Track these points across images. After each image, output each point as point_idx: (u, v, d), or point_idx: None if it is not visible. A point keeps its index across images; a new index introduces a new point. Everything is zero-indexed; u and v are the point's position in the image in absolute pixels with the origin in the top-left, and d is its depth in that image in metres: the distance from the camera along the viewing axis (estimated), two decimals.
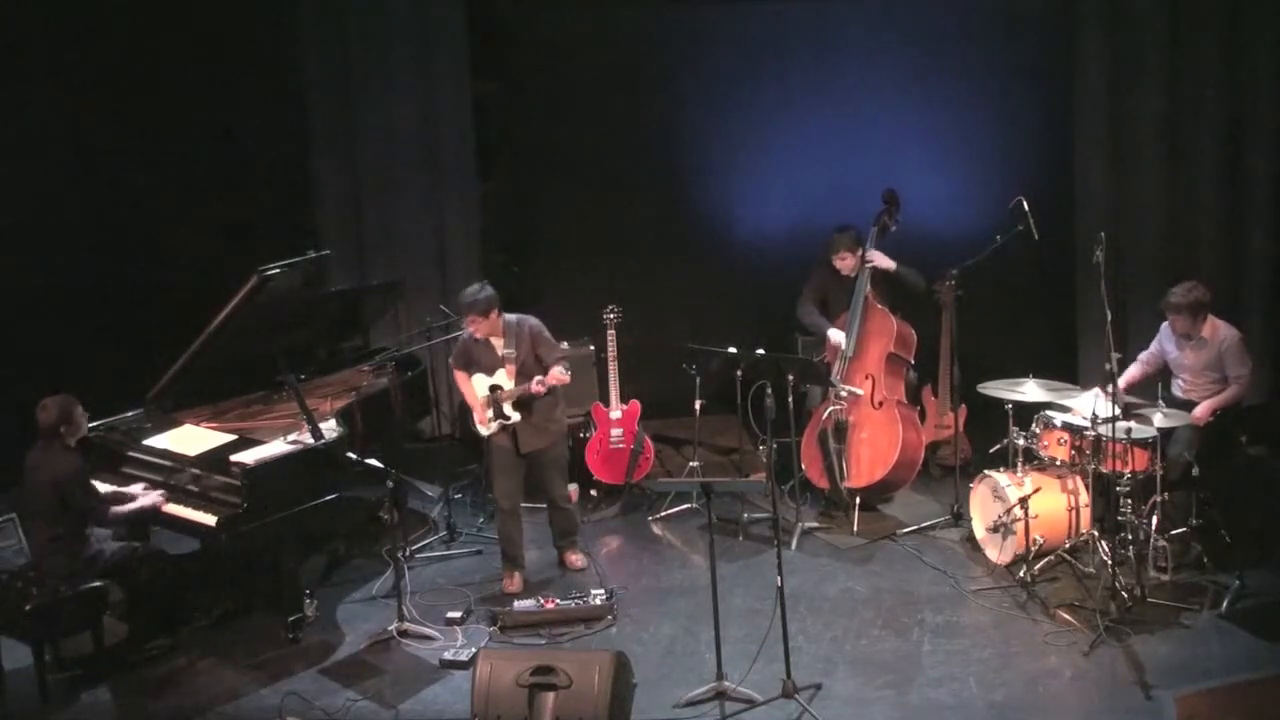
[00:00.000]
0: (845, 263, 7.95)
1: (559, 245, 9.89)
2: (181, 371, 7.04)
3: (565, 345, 7.71)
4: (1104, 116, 8.55)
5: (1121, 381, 7.20)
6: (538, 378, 6.86)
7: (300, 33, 9.29)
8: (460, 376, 7.13)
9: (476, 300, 6.83)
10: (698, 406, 8.04)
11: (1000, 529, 7.00)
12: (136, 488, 6.70)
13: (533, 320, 7.07)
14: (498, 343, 6.97)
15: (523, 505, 7.26)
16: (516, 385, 6.92)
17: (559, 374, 6.94)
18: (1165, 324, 7.16)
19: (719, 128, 9.44)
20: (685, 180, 9.54)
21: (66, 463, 6.34)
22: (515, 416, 6.98)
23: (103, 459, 6.91)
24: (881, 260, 7.90)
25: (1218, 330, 7.01)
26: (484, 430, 7.07)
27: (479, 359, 7.02)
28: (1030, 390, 7.03)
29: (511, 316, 7.01)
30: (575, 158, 9.62)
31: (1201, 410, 6.92)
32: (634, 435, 8.28)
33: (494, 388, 6.99)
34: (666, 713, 5.86)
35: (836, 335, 7.87)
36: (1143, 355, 7.32)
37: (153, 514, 6.65)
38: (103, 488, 6.62)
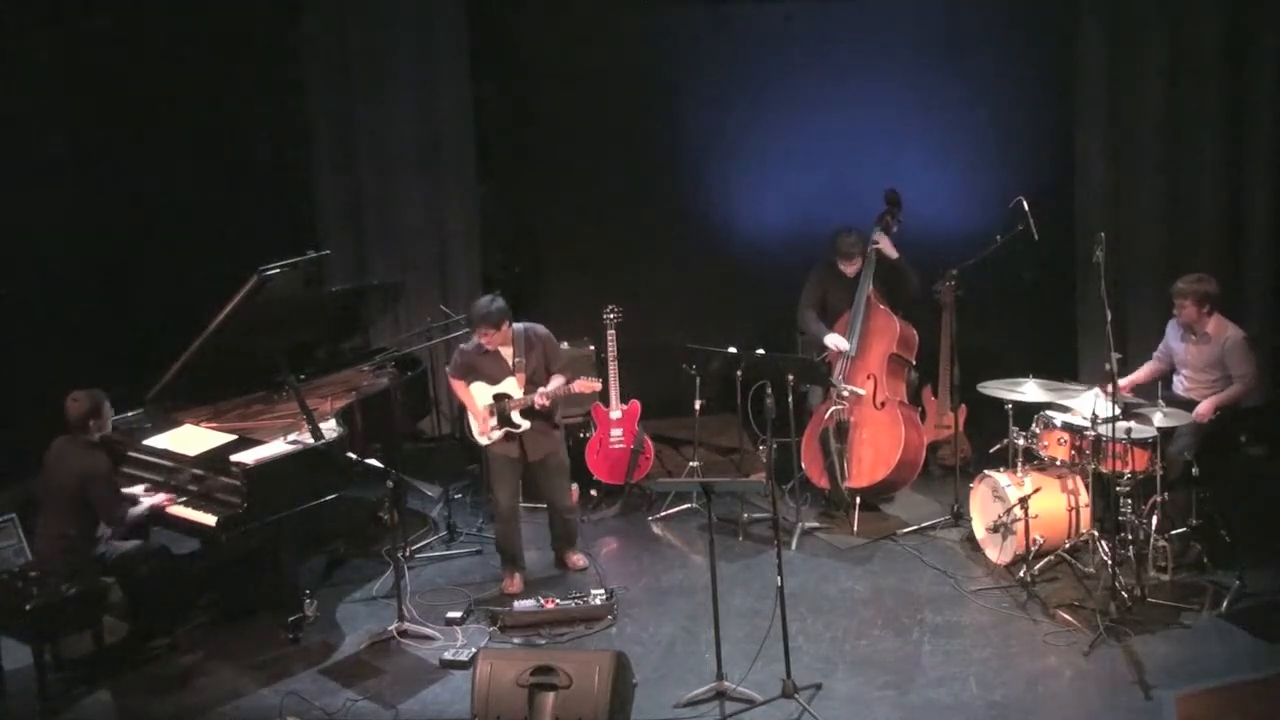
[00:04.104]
0: (852, 266, 7.93)
1: (559, 245, 9.89)
2: (181, 371, 7.02)
3: (565, 345, 7.74)
4: (1104, 116, 8.56)
5: (1135, 378, 7.23)
6: (541, 390, 6.88)
7: (300, 32, 9.30)
8: (459, 385, 7.11)
9: (490, 313, 6.85)
10: (698, 406, 8.04)
11: (1000, 529, 7.00)
12: (139, 489, 6.69)
13: (540, 328, 7.09)
14: (506, 352, 6.98)
15: (522, 506, 7.26)
16: (526, 394, 6.93)
17: (561, 385, 6.97)
18: (1172, 320, 7.17)
19: (719, 127, 9.43)
20: (685, 180, 9.54)
21: (94, 458, 6.36)
22: (525, 425, 6.97)
23: None
24: (888, 246, 7.89)
25: (1223, 329, 7.00)
26: (484, 440, 7.06)
27: (484, 370, 7.00)
28: (1030, 390, 7.03)
29: (519, 326, 7.03)
30: (575, 158, 9.61)
31: (1205, 407, 6.91)
32: (634, 435, 8.28)
33: (501, 396, 6.97)
34: (666, 713, 5.86)
35: (834, 340, 7.86)
36: (1156, 352, 7.32)
37: (154, 514, 6.64)
38: None
